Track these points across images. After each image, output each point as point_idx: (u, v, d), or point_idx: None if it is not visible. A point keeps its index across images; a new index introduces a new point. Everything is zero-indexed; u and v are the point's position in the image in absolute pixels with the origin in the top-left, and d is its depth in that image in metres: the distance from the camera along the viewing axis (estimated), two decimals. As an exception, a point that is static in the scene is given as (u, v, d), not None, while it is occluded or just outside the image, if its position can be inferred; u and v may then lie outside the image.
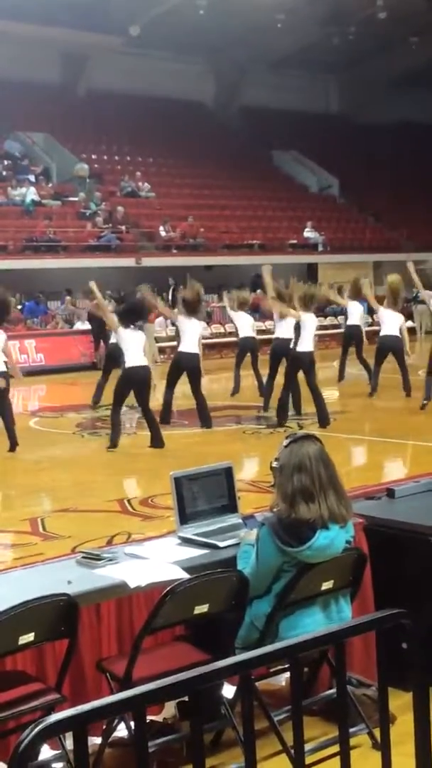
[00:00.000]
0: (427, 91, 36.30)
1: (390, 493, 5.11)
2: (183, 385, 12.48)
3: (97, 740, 3.75)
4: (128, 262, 25.90)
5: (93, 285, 12.43)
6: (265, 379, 13.93)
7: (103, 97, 31.96)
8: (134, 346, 10.78)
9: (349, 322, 16.17)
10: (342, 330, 17.53)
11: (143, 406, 11.13)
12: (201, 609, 3.76)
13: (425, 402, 12.71)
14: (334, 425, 12.02)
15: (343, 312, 17.71)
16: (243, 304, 15.59)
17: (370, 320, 19.39)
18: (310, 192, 34.83)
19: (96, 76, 32.55)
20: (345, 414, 13.40)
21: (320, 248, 30.49)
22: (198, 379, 12.13)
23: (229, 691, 3.98)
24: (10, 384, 11.20)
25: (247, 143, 34.58)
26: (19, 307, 23.73)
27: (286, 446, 4.06)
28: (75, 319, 23.77)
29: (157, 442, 10.98)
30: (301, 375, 12.30)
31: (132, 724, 3.33)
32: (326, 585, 4.01)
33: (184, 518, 4.47)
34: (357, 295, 15.91)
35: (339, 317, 24.02)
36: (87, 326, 21.64)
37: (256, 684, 3.71)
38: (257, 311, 25.84)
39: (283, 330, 12.87)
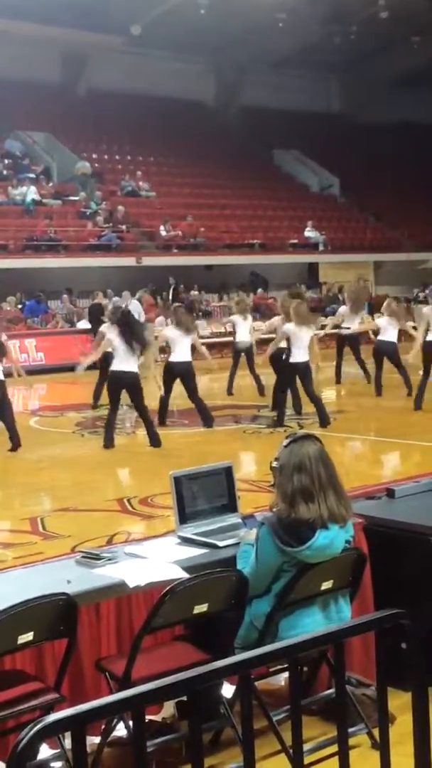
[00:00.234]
0: (428, 91, 36.29)
1: (390, 493, 5.11)
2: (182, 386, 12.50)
3: (97, 740, 3.75)
4: (129, 261, 25.90)
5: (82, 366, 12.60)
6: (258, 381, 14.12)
7: (104, 96, 31.96)
8: (121, 351, 10.84)
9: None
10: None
11: (137, 409, 11.24)
12: (200, 608, 3.76)
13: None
14: (334, 425, 12.01)
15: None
16: (244, 309, 15.69)
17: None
18: (311, 191, 34.83)
19: (96, 76, 32.56)
20: (345, 414, 13.40)
21: (321, 248, 30.49)
22: (190, 383, 12.16)
23: (228, 690, 3.97)
24: (12, 384, 11.19)
25: (248, 143, 34.58)
26: (20, 306, 23.75)
27: (285, 446, 4.06)
28: (75, 318, 23.79)
29: (154, 441, 11.02)
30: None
31: (131, 723, 3.32)
32: (326, 585, 4.01)
33: (184, 518, 4.47)
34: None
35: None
36: (87, 325, 21.67)
37: (256, 683, 3.71)
38: (257, 311, 25.89)
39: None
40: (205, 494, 4.56)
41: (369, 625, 3.01)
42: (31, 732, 2.24)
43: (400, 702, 3.31)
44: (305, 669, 4.21)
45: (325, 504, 3.94)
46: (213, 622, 3.96)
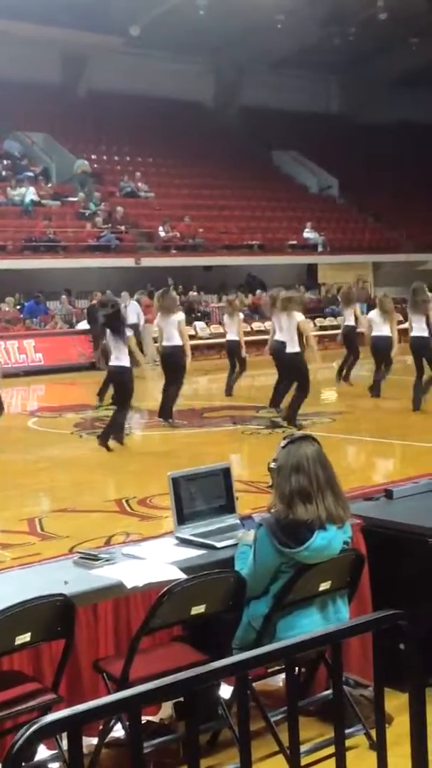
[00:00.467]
0: (427, 92, 36.31)
1: (388, 493, 5.10)
2: (185, 386, 12.56)
3: (95, 740, 3.74)
4: (127, 262, 25.90)
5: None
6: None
7: (103, 97, 31.96)
8: (116, 349, 11.01)
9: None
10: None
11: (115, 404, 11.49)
12: (198, 609, 3.76)
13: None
14: (332, 425, 12.02)
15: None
16: (232, 309, 15.70)
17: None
18: (310, 192, 34.82)
19: (96, 76, 32.56)
20: (343, 414, 13.40)
21: (320, 249, 30.49)
22: (172, 373, 12.41)
23: (226, 691, 3.97)
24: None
25: (247, 143, 34.59)
26: (19, 307, 23.75)
27: (283, 447, 4.06)
28: (74, 319, 23.78)
29: (103, 439, 11.13)
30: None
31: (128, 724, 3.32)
32: (324, 586, 4.00)
33: (182, 519, 4.47)
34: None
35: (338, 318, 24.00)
36: (86, 326, 21.66)
37: (254, 684, 3.71)
38: (256, 312, 25.91)
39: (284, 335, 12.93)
40: (203, 495, 4.56)
41: (367, 626, 3.01)
42: (27, 733, 2.24)
43: (397, 703, 3.31)
44: (303, 670, 4.21)
45: (323, 505, 3.94)
46: (211, 623, 3.95)
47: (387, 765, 2.90)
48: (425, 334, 12.83)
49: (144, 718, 3.84)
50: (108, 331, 11.06)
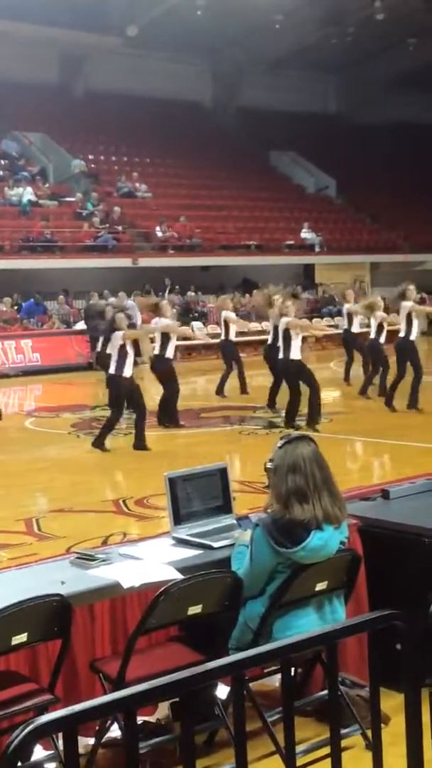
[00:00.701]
0: (424, 92, 36.32)
1: (385, 494, 5.10)
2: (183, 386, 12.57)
3: (92, 741, 3.74)
4: (125, 262, 25.90)
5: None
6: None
7: (101, 97, 31.96)
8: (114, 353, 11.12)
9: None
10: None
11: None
12: (195, 610, 3.76)
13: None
14: (330, 425, 12.02)
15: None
16: (221, 309, 15.85)
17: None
18: (308, 192, 34.83)
19: (94, 77, 32.56)
20: (341, 414, 13.40)
21: (317, 249, 30.49)
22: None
23: (223, 691, 3.97)
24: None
25: (245, 144, 34.59)
26: (16, 307, 23.74)
27: (280, 447, 4.05)
28: (71, 319, 23.77)
29: (97, 443, 11.22)
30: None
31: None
32: (320, 586, 4.00)
33: (179, 519, 4.47)
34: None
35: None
36: (83, 326, 21.65)
37: (251, 685, 3.71)
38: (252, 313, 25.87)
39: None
40: (199, 495, 4.56)
41: (363, 626, 3.01)
42: (23, 733, 2.24)
43: (393, 703, 3.31)
44: (299, 670, 4.21)
45: (319, 505, 3.93)
46: (207, 623, 3.95)
47: (383, 765, 2.90)
48: (403, 335, 13.07)
49: (140, 719, 3.84)
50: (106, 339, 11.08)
